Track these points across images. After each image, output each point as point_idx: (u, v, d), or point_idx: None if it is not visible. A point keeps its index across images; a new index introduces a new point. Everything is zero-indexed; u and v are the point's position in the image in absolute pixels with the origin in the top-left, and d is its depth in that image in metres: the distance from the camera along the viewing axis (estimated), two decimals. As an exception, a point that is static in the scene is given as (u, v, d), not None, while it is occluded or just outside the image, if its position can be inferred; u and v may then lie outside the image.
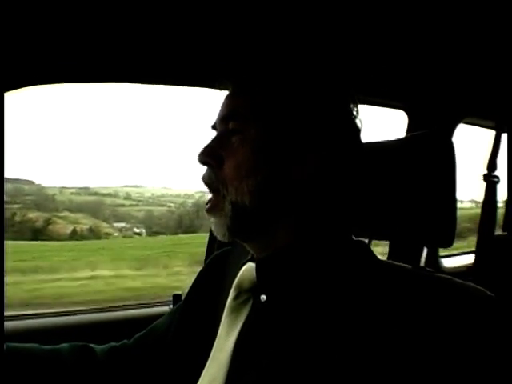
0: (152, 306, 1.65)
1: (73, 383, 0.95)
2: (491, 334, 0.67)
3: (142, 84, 1.29)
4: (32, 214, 8.35)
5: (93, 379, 0.96)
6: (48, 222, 8.46)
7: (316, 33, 1.18)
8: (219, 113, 0.84)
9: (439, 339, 0.64)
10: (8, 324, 1.37)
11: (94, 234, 8.76)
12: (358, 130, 0.82)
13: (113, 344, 1.04)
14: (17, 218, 8.11)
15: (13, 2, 0.92)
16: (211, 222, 0.82)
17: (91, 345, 1.02)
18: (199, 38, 1.14)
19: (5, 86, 1.04)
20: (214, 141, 0.82)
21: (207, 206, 0.82)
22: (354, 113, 0.81)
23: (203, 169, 0.84)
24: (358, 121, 0.82)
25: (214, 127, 0.86)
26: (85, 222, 8.88)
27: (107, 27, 1.07)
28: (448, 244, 0.88)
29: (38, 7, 0.96)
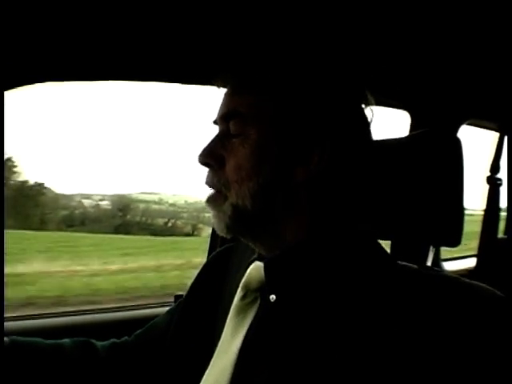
0: (154, 307, 1.65)
1: (74, 377, 0.95)
2: (503, 333, 0.66)
3: (142, 81, 1.28)
4: (179, 222, 9.87)
5: (94, 374, 0.96)
6: (195, 227, 9.87)
7: (319, 31, 1.17)
8: (219, 111, 0.82)
9: (451, 338, 0.64)
10: (10, 324, 1.36)
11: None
12: (366, 124, 0.80)
13: (113, 340, 1.04)
14: (169, 224, 9.72)
15: (13, 1, 0.92)
16: (211, 214, 0.80)
17: (92, 340, 1.02)
18: (200, 34, 1.13)
19: (5, 84, 1.03)
20: (214, 141, 0.81)
21: (207, 198, 0.81)
22: (363, 105, 0.79)
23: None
24: (367, 112, 0.80)
25: (216, 123, 0.84)
26: (201, 227, 9.46)
27: (109, 24, 1.06)
28: (455, 243, 0.87)
29: (38, 5, 0.95)
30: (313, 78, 0.77)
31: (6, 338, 0.95)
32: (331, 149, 0.75)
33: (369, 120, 0.80)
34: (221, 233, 0.80)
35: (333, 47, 1.22)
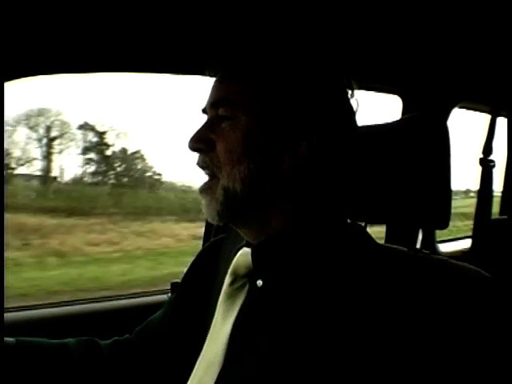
0: (150, 295, 1.66)
1: (80, 375, 0.97)
2: (489, 314, 0.67)
3: (133, 72, 1.29)
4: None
5: (98, 371, 0.98)
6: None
7: (308, 18, 1.18)
8: (209, 97, 0.83)
9: (437, 320, 0.65)
10: (11, 315, 1.38)
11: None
12: (352, 113, 0.82)
13: (116, 338, 1.06)
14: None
15: None
16: (203, 203, 0.82)
17: (95, 339, 1.03)
18: (191, 22, 1.13)
19: (5, 76, 1.04)
20: (203, 126, 0.82)
21: (201, 187, 0.82)
22: (349, 95, 0.81)
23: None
24: (353, 101, 0.81)
25: (204, 111, 0.85)
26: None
27: (103, 17, 1.07)
28: (443, 226, 0.89)
29: None
30: (300, 67, 0.79)
31: (11, 339, 0.96)
32: (319, 137, 0.77)
33: (354, 109, 0.82)
34: (212, 220, 0.81)
35: (320, 35, 1.23)
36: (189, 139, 0.81)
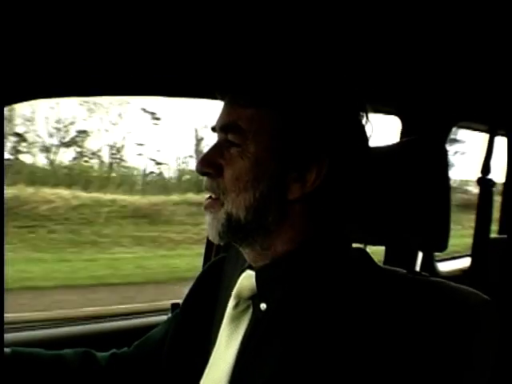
0: (150, 316, 1.65)
1: None
2: (487, 336, 0.67)
3: (144, 96, 1.29)
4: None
5: (95, 383, 0.98)
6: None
7: (319, 46, 1.18)
8: (219, 120, 0.82)
9: (435, 342, 0.65)
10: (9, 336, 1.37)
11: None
12: (365, 140, 0.81)
13: (114, 351, 1.06)
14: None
15: (12, 17, 0.93)
16: (206, 220, 0.82)
17: (92, 351, 1.03)
18: (201, 46, 1.14)
19: (4, 99, 1.05)
20: (212, 150, 0.81)
21: (205, 204, 0.82)
22: (364, 121, 0.80)
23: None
24: (367, 127, 0.81)
25: (214, 130, 0.84)
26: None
27: (105, 40, 1.07)
28: (442, 248, 0.89)
29: (36, 21, 0.96)
30: (314, 95, 0.78)
31: (7, 349, 0.96)
32: (329, 167, 0.76)
33: (368, 134, 0.81)
34: (213, 239, 0.81)
35: (333, 62, 1.24)
36: (198, 162, 0.81)
